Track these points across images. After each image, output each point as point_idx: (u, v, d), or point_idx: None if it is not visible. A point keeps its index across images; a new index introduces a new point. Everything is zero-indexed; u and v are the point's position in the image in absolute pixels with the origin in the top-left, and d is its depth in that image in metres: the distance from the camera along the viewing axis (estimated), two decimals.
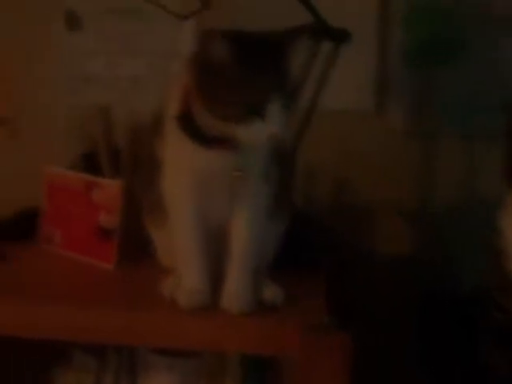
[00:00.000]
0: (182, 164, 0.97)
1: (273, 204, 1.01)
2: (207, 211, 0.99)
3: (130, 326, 0.98)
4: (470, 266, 1.42)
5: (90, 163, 1.26)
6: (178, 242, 1.01)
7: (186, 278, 0.99)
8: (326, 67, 1.16)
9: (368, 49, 1.42)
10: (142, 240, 1.13)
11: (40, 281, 1.13)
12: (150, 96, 1.46)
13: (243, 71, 0.87)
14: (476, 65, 1.43)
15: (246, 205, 0.99)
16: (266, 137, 0.89)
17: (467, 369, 1.14)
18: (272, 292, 1.01)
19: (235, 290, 0.98)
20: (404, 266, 1.44)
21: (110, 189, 1.18)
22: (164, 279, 1.05)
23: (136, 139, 1.24)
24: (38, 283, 1.12)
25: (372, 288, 1.38)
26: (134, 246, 1.17)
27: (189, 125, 0.94)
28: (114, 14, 1.50)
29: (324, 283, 1.11)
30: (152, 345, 1.07)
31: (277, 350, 0.95)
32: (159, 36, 1.48)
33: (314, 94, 1.16)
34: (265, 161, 0.98)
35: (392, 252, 1.46)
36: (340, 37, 1.15)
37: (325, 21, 1.13)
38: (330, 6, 1.17)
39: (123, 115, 1.32)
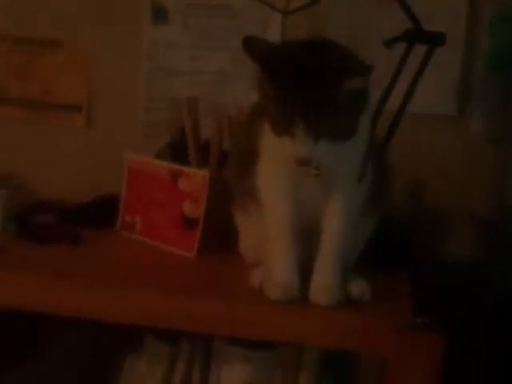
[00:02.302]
0: (277, 152, 0.97)
1: (367, 202, 1.02)
2: (301, 203, 1.00)
3: (210, 314, 0.98)
4: None
5: (175, 153, 1.27)
6: (270, 235, 1.01)
7: (276, 271, 1.00)
8: (419, 70, 1.15)
9: (453, 53, 1.41)
10: (225, 231, 1.14)
11: (116, 266, 1.14)
12: (234, 90, 1.49)
13: (281, 89, 0.89)
14: None
15: (340, 200, 0.99)
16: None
17: None
18: (360, 287, 1.02)
19: (324, 283, 0.98)
20: (476, 270, 1.42)
21: (196, 178, 1.19)
22: (252, 270, 1.05)
23: (225, 131, 1.24)
24: (114, 268, 1.13)
25: (445, 290, 1.38)
26: (217, 236, 1.18)
27: None
28: (201, 9, 1.52)
29: (406, 283, 1.12)
30: (232, 334, 1.06)
31: (365, 347, 0.95)
32: (244, 31, 1.48)
33: (405, 96, 1.16)
34: (359, 161, 0.98)
35: (465, 255, 1.45)
36: (435, 40, 1.14)
37: (420, 24, 1.12)
38: (418, 9, 1.17)
39: (205, 108, 1.33)
